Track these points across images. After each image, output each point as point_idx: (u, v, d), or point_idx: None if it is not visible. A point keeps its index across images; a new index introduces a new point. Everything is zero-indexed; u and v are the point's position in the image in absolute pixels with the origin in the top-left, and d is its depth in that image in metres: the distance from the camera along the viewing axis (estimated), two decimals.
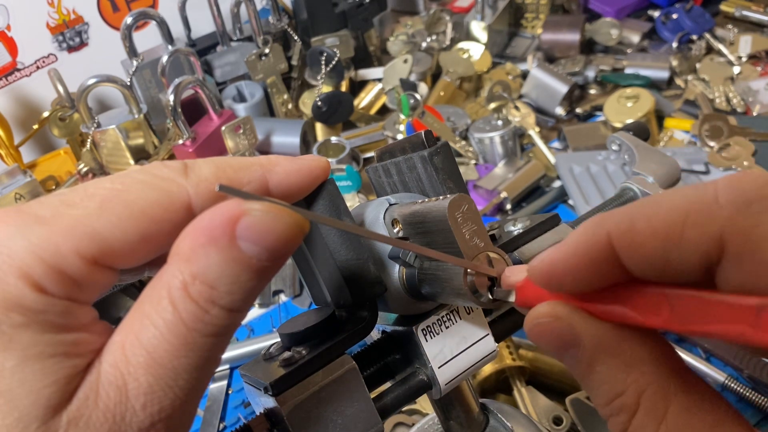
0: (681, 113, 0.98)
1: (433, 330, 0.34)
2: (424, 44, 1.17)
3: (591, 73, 1.06)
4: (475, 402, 0.40)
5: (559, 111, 1.01)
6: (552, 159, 0.91)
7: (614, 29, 1.13)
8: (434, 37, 1.18)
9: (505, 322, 0.37)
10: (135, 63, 0.97)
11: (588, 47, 1.14)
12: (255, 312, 0.79)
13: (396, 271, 0.32)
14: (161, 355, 0.21)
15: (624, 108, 0.94)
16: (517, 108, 0.98)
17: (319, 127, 1.05)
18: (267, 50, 1.04)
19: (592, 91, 1.06)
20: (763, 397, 0.58)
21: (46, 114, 0.99)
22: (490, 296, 0.28)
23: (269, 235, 0.22)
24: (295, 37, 1.10)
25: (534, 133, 0.95)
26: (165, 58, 0.94)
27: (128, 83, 0.93)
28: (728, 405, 0.22)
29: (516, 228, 0.36)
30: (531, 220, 0.36)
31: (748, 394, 0.58)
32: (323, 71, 1.05)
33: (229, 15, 1.07)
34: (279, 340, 0.31)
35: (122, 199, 0.23)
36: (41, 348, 0.21)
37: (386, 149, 0.37)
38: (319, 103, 1.01)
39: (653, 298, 0.21)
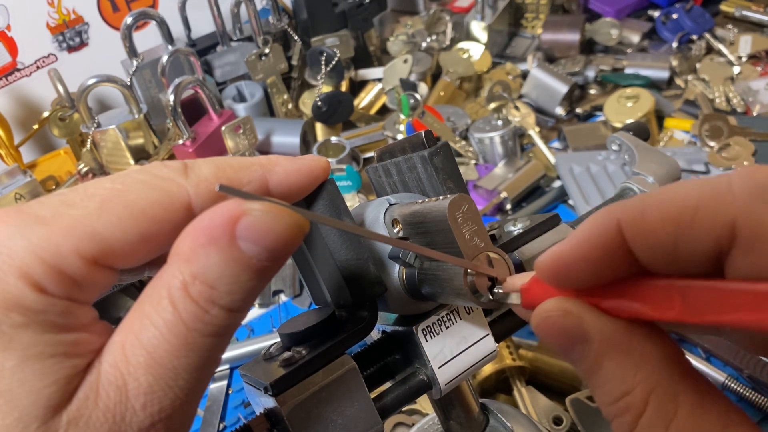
0: (681, 113, 0.97)
1: (433, 330, 0.34)
2: (424, 44, 1.17)
3: (591, 73, 1.06)
4: (475, 402, 0.40)
5: (559, 111, 1.01)
6: (552, 159, 0.91)
7: (614, 29, 1.13)
8: (434, 37, 1.18)
9: (505, 322, 0.37)
10: (135, 63, 0.97)
11: (588, 47, 1.14)
12: (255, 312, 0.79)
13: (396, 271, 0.32)
14: (161, 355, 0.21)
15: (624, 108, 0.94)
16: (517, 108, 0.98)
17: (319, 127, 1.05)
18: (267, 50, 1.04)
19: (592, 91, 1.06)
20: (763, 397, 0.58)
21: (46, 114, 0.99)
22: (490, 296, 0.28)
23: (269, 235, 0.22)
24: (295, 37, 1.10)
25: (534, 133, 0.95)
26: (165, 58, 0.94)
27: (128, 83, 0.93)
28: (735, 406, 0.22)
29: (516, 228, 0.36)
30: (531, 220, 0.36)
31: (748, 394, 0.58)
32: (323, 71, 1.05)
33: (229, 15, 1.07)
34: (279, 340, 0.31)
35: (122, 199, 0.23)
36: (41, 348, 0.21)
37: (386, 149, 0.37)
38: (319, 103, 1.01)
39: (664, 291, 0.21)
